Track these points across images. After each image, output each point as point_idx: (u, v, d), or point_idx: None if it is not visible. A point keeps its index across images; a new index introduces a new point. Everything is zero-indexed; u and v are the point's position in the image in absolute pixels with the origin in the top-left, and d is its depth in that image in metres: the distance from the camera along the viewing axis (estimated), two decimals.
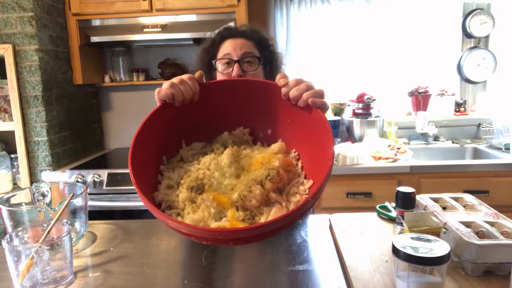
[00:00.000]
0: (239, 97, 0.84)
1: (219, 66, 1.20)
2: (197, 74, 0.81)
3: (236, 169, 0.78)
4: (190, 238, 0.68)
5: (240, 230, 0.65)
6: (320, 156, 0.73)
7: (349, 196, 2.07)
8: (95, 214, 1.88)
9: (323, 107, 0.75)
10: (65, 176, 2.10)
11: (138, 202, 2.02)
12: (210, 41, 1.26)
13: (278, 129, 0.85)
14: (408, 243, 0.72)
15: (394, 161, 2.17)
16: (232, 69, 1.17)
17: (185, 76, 0.80)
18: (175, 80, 0.79)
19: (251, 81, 0.86)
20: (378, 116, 2.61)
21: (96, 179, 2.05)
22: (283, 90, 0.78)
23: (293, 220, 0.69)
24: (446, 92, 2.73)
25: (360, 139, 2.58)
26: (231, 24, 1.30)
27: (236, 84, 0.86)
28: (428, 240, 0.73)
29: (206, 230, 0.65)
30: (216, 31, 1.27)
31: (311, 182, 0.76)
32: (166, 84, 0.79)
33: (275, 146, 0.84)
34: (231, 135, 0.88)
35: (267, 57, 1.24)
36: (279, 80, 0.78)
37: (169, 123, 0.81)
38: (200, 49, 1.29)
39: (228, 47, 1.19)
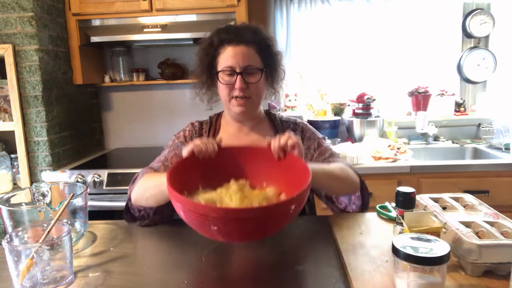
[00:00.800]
0: (244, 157, 1.06)
1: (222, 77, 1.19)
2: (218, 139, 1.04)
3: (241, 196, 0.93)
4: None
5: (230, 209, 0.81)
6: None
7: None
8: (95, 214, 1.87)
9: (297, 147, 0.98)
10: (65, 176, 2.10)
11: None
12: (208, 41, 1.23)
13: (272, 182, 1.03)
14: (408, 243, 0.72)
15: (394, 161, 2.17)
16: (235, 80, 1.17)
17: (211, 139, 1.03)
18: (205, 140, 1.02)
19: (250, 148, 1.08)
20: (378, 116, 2.61)
21: (96, 179, 2.05)
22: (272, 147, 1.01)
23: (276, 217, 0.80)
24: (446, 92, 2.73)
25: (360, 139, 2.58)
26: (231, 23, 1.27)
27: (242, 151, 1.08)
28: (428, 240, 0.73)
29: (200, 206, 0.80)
30: (215, 31, 1.24)
31: None
32: (198, 141, 1.00)
33: (269, 190, 1.00)
34: (237, 183, 1.02)
35: (268, 61, 1.23)
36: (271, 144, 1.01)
37: (190, 169, 1.01)
38: (198, 49, 1.27)
39: (229, 58, 1.17)
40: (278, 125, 1.32)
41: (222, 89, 1.21)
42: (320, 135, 1.34)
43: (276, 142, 1.00)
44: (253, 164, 1.06)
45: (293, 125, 1.33)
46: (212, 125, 1.32)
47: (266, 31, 1.26)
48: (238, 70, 1.16)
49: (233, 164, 1.06)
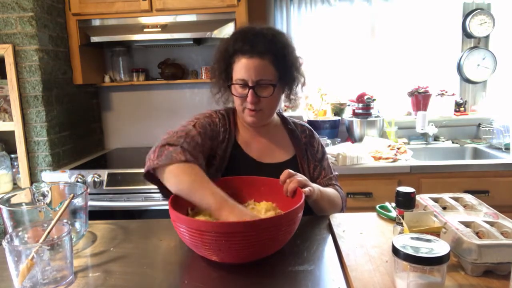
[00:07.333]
0: (253, 187, 1.14)
1: (235, 89, 1.19)
2: None
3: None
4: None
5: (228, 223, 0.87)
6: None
7: (349, 196, 2.07)
8: (95, 214, 1.87)
9: (299, 184, 1.04)
10: (65, 176, 2.10)
11: (138, 202, 2.02)
12: (225, 46, 1.20)
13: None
14: (408, 243, 0.72)
15: (394, 161, 2.17)
16: (247, 93, 1.16)
17: None
18: None
19: (259, 179, 1.15)
20: (378, 116, 2.61)
21: (96, 179, 2.05)
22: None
23: (270, 232, 0.85)
24: (446, 92, 2.73)
25: (360, 139, 2.58)
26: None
27: (253, 180, 1.15)
28: (428, 240, 0.73)
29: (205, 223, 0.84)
30: (233, 34, 1.21)
31: None
32: None
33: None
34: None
35: (283, 71, 1.20)
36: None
37: None
38: (216, 51, 1.25)
39: (242, 71, 1.15)
40: (292, 128, 1.33)
41: (235, 99, 1.22)
42: (326, 153, 1.38)
43: (291, 185, 1.03)
44: (260, 191, 1.13)
45: (308, 131, 1.35)
46: (230, 122, 1.29)
47: (285, 38, 1.22)
48: (250, 84, 1.15)
49: (243, 190, 1.13)
